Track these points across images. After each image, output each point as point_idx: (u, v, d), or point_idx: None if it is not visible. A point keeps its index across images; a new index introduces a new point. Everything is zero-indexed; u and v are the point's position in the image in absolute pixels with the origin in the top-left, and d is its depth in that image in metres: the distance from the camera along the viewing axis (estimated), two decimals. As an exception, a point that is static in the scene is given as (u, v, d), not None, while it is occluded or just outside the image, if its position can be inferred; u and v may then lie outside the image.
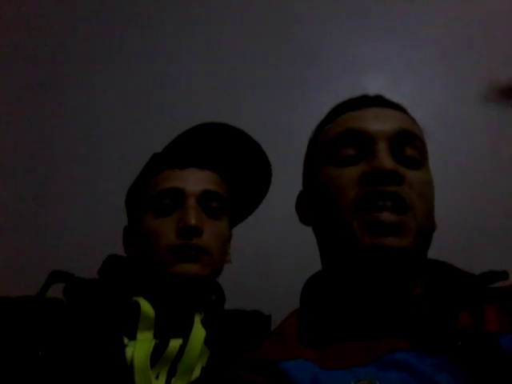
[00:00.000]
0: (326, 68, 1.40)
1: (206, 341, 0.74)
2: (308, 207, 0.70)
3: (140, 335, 0.71)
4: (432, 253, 0.63)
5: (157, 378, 0.69)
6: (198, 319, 0.76)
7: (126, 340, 0.71)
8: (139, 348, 0.69)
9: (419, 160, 0.61)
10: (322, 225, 0.65)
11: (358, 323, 0.57)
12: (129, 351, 0.69)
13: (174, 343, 0.72)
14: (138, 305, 0.73)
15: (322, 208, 0.63)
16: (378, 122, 0.62)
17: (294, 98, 1.38)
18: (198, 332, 0.74)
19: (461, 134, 1.29)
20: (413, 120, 0.66)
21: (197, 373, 0.72)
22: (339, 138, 0.63)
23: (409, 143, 0.61)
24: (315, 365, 0.53)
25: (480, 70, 1.35)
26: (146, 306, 0.73)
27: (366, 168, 0.58)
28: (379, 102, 0.66)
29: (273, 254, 1.24)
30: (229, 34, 1.45)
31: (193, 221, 0.74)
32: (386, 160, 0.57)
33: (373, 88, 1.30)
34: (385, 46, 1.40)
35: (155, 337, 0.72)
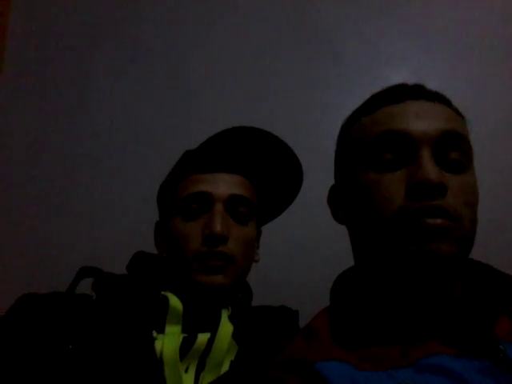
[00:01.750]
0: (349, 63, 1.38)
1: (234, 336, 0.75)
2: (342, 206, 0.68)
3: (168, 329, 0.72)
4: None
5: (186, 371, 0.70)
6: (225, 315, 0.76)
7: (154, 333, 0.72)
8: (168, 341, 0.70)
9: (464, 163, 0.58)
10: (360, 229, 0.62)
11: (396, 325, 0.56)
12: (158, 344, 0.70)
13: (202, 337, 0.73)
14: (166, 299, 0.74)
15: (362, 214, 0.60)
16: (420, 122, 0.57)
17: (316, 94, 1.37)
18: (226, 327, 0.75)
19: (487, 129, 1.26)
20: (456, 112, 0.63)
21: (226, 367, 0.72)
22: (379, 140, 0.59)
23: (453, 146, 0.58)
24: (352, 366, 0.53)
25: (506, 63, 1.32)
26: (174, 301, 0.74)
27: (410, 178, 0.55)
28: (420, 93, 0.62)
29: (300, 249, 1.24)
30: (251, 31, 1.44)
31: (218, 228, 0.74)
32: (431, 171, 0.54)
33: (397, 82, 1.29)
34: (409, 40, 1.37)
35: (183, 331, 0.73)
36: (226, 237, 0.76)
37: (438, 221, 0.53)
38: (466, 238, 0.55)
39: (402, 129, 0.58)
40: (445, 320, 0.54)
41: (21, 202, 1.38)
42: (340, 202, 0.69)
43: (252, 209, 0.82)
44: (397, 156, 0.58)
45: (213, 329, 0.74)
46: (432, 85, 1.28)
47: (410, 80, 1.29)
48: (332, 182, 0.73)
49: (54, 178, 1.39)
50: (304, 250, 1.23)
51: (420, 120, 0.58)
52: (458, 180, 0.56)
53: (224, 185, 0.79)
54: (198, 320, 0.75)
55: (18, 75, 1.49)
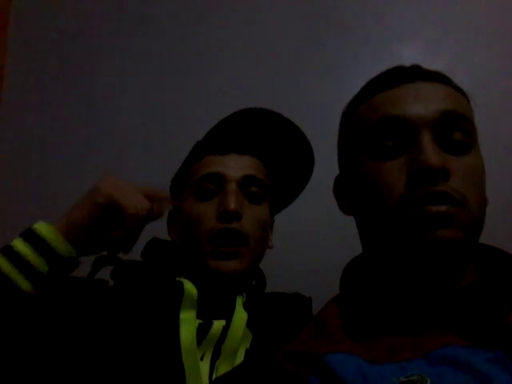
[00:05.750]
0: (361, 36, 1.33)
1: (249, 324, 0.75)
2: (348, 197, 0.66)
3: (183, 314, 0.72)
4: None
5: (201, 359, 0.71)
6: (239, 302, 0.77)
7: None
8: (185, 328, 0.71)
9: (468, 143, 0.56)
10: (365, 219, 0.61)
11: (406, 316, 0.55)
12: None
13: (218, 324, 0.73)
14: (181, 284, 0.74)
15: (366, 205, 0.59)
16: (418, 105, 0.55)
17: (328, 68, 1.33)
18: (240, 314, 0.75)
19: (502, 104, 1.21)
20: (457, 91, 0.60)
21: (241, 355, 0.72)
22: (377, 128, 0.57)
23: (455, 127, 0.55)
24: (361, 358, 0.52)
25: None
26: (189, 286, 0.74)
27: (411, 164, 0.53)
28: (417, 74, 0.59)
29: (310, 235, 1.22)
30: (261, 4, 1.40)
31: (232, 205, 0.75)
32: (432, 155, 0.52)
33: (409, 56, 1.26)
34: (422, 12, 1.31)
35: (197, 317, 0.74)
36: (240, 214, 0.76)
37: (442, 207, 0.51)
38: (473, 223, 0.53)
39: (399, 114, 0.56)
40: (456, 309, 0.53)
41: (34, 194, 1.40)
42: (345, 193, 0.67)
43: (264, 189, 0.82)
44: (397, 142, 0.56)
45: (227, 316, 0.75)
46: (445, 59, 1.24)
47: (424, 52, 1.26)
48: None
49: (65, 166, 1.40)
50: (314, 237, 1.22)
51: (418, 103, 0.56)
52: (461, 162, 0.54)
53: (236, 166, 0.80)
54: (212, 306, 0.75)
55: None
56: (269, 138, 0.82)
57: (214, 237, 0.76)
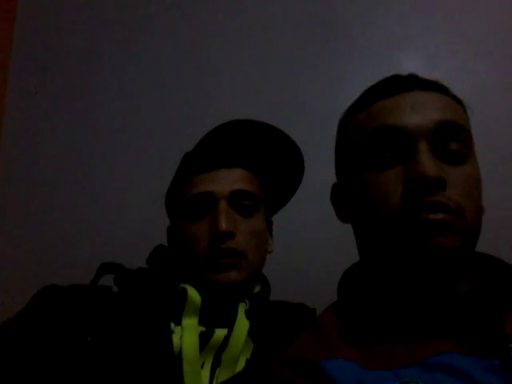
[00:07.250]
0: (362, 46, 1.34)
1: (250, 333, 0.75)
2: (345, 206, 0.66)
3: (185, 321, 0.72)
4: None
5: (201, 367, 0.70)
6: (242, 310, 0.76)
7: (172, 325, 0.73)
8: (188, 336, 0.70)
9: (464, 153, 0.56)
10: (363, 228, 0.61)
11: (403, 323, 0.55)
12: (176, 338, 0.71)
13: (220, 333, 0.73)
14: (185, 291, 0.74)
15: (363, 213, 0.59)
16: (415, 114, 0.56)
17: (327, 76, 1.34)
18: (242, 323, 0.75)
19: (502, 113, 1.22)
20: (453, 100, 0.60)
21: (241, 365, 0.72)
22: (375, 137, 0.58)
23: (452, 137, 0.55)
24: (358, 365, 0.52)
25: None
26: (192, 293, 0.74)
27: (408, 175, 0.54)
28: (414, 83, 0.60)
29: (311, 240, 1.22)
30: (263, 13, 1.41)
31: (224, 226, 0.74)
32: (429, 166, 0.52)
33: (410, 67, 1.26)
34: (423, 22, 1.32)
35: (199, 324, 0.74)
36: (233, 233, 0.76)
37: (439, 215, 0.51)
38: (469, 231, 0.53)
39: (397, 123, 0.56)
40: (453, 317, 0.53)
41: (37, 203, 1.41)
42: (342, 201, 0.68)
43: (256, 201, 0.81)
44: (394, 152, 0.56)
45: (229, 324, 0.74)
46: (444, 68, 1.25)
47: (425, 62, 1.27)
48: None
49: (69, 181, 1.42)
50: (312, 244, 1.22)
51: (415, 112, 0.56)
52: (458, 171, 0.55)
53: (224, 181, 0.79)
54: (214, 314, 0.75)
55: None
56: (253, 146, 0.81)
57: (210, 255, 0.76)
